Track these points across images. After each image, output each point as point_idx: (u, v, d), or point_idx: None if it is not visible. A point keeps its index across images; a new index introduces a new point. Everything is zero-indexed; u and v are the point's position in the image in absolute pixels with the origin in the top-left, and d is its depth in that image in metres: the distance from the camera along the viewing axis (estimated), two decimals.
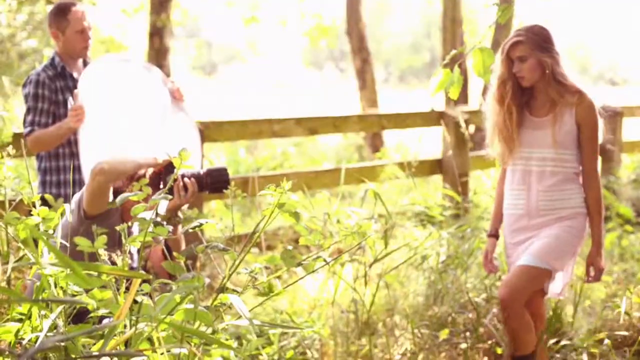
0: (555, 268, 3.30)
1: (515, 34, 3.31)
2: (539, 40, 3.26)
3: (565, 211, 3.33)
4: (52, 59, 4.06)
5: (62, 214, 2.43)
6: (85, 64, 4.16)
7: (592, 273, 3.38)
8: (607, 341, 3.66)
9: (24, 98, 3.99)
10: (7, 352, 1.97)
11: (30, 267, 3.09)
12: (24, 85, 3.99)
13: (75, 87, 4.00)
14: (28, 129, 3.91)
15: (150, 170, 3.08)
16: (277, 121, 5.74)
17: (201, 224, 2.31)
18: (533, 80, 3.30)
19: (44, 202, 4.05)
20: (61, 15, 4.00)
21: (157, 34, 9.29)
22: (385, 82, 32.59)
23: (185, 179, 3.05)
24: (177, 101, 3.75)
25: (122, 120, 3.66)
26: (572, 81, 3.31)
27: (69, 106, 3.96)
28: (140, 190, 2.23)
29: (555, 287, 3.44)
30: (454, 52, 2.90)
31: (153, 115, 3.73)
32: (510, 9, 2.93)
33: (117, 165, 2.88)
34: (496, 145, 3.44)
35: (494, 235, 3.58)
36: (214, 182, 3.10)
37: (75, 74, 4.07)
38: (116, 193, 3.01)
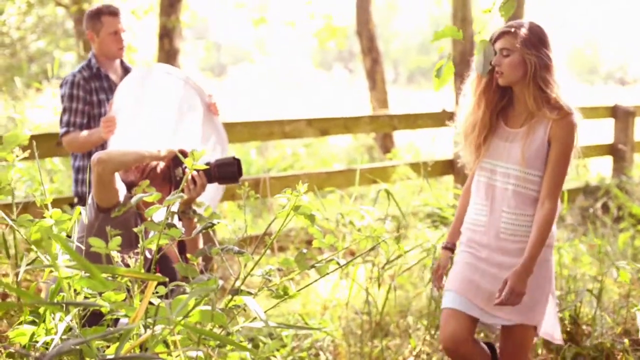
0: (539, 321, 2.97)
1: (506, 25, 2.91)
2: (530, 37, 2.84)
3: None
4: (89, 60, 4.17)
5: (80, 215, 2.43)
6: (122, 64, 4.27)
7: (504, 293, 2.81)
8: (625, 341, 3.63)
9: (60, 98, 4.13)
10: (21, 355, 1.96)
11: (42, 270, 3.09)
12: (61, 86, 4.13)
13: (111, 88, 4.12)
14: (64, 129, 4.04)
15: (162, 164, 3.10)
16: (289, 122, 5.74)
17: (213, 224, 2.31)
18: (511, 79, 2.87)
19: (80, 199, 4.16)
20: (95, 17, 4.11)
21: (167, 35, 9.29)
22: (393, 82, 32.58)
23: (193, 172, 3.06)
24: (211, 115, 3.82)
25: (152, 135, 3.72)
26: (560, 95, 2.87)
27: (103, 110, 4.05)
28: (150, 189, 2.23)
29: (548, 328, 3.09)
30: (445, 50, 2.88)
31: (184, 131, 3.79)
32: (512, 4, 2.82)
33: (117, 156, 2.87)
34: (465, 146, 3.06)
35: (450, 248, 3.20)
36: (223, 173, 3.11)
37: (111, 75, 4.18)
38: (130, 187, 3.01)
